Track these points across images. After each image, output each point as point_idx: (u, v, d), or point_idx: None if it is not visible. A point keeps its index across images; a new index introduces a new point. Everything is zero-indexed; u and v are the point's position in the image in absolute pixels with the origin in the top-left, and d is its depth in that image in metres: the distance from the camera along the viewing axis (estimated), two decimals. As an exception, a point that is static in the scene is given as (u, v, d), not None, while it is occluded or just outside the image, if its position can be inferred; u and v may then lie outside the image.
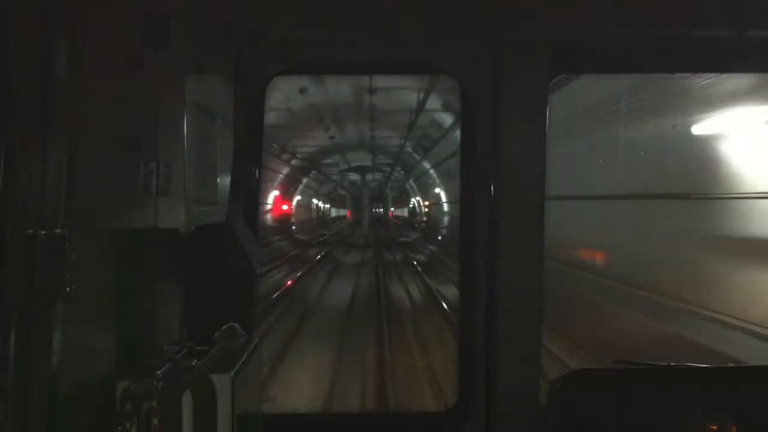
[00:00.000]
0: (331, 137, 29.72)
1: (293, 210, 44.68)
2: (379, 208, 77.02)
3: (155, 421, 2.50)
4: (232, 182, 3.28)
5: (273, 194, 35.24)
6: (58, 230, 2.19)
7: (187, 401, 2.61)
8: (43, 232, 2.15)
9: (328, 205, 79.73)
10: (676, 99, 10.40)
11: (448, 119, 21.47)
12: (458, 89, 3.85)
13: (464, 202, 3.90)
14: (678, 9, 3.46)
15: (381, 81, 17.80)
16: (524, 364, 3.63)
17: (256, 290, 3.95)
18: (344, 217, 73.86)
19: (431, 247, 36.18)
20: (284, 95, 17.82)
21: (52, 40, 2.21)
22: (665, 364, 3.77)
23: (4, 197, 2.08)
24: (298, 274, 24.48)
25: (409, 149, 33.52)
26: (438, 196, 39.84)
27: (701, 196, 10.69)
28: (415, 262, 29.67)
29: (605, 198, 13.04)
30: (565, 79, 7.82)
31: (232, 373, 2.78)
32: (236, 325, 3.31)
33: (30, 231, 2.13)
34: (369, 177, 57.46)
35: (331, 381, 10.91)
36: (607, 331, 11.68)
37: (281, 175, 35.39)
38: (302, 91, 17.92)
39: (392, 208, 78.38)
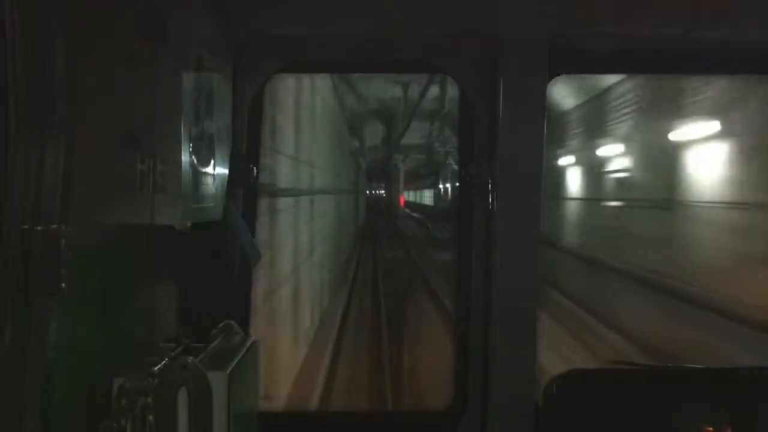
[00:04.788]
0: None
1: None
2: (380, 189, 44.19)
3: (150, 418, 2.50)
4: (229, 180, 3.28)
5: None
6: (54, 226, 2.19)
7: (182, 398, 2.61)
8: (38, 228, 2.15)
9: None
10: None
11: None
12: (457, 89, 3.84)
13: (462, 202, 3.90)
14: (678, 9, 3.47)
15: None
16: (521, 364, 3.64)
17: (253, 288, 3.94)
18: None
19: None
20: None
21: (50, 35, 2.21)
22: (661, 364, 3.79)
23: (0, 193, 2.08)
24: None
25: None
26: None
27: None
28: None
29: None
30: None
31: (228, 371, 2.78)
32: (233, 322, 3.32)
33: (26, 227, 2.13)
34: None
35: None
36: None
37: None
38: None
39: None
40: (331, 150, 19.91)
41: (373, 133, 30.96)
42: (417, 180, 48.43)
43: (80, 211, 2.36)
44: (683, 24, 3.51)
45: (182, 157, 2.56)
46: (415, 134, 30.13)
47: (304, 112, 12.62)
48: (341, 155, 24.54)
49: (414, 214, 45.66)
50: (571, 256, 18.27)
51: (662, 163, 13.43)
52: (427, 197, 50.51)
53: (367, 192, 40.98)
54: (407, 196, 49.71)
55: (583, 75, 13.18)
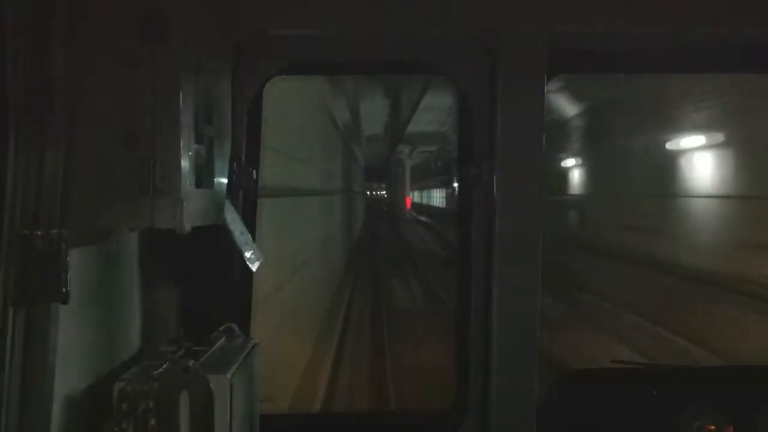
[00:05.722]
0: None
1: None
2: (380, 189, 37.66)
3: (152, 422, 2.49)
4: (229, 182, 3.27)
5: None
6: (54, 230, 2.18)
7: (184, 402, 2.60)
8: (38, 232, 2.14)
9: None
10: None
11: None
12: (456, 89, 3.85)
13: (461, 202, 3.89)
14: (677, 9, 3.46)
15: None
16: (522, 364, 3.63)
17: (254, 290, 3.93)
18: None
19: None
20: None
21: (50, 37, 2.20)
22: (662, 364, 3.79)
23: (1, 197, 2.07)
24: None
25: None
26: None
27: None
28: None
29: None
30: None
31: (229, 374, 2.77)
32: (234, 325, 3.30)
33: (26, 231, 2.12)
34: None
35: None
36: None
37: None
38: None
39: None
40: (311, 135, 15.13)
41: (373, 120, 24.26)
42: (425, 178, 40.96)
43: (80, 214, 2.35)
44: (683, 24, 3.50)
45: (182, 159, 2.54)
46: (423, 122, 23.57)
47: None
48: (327, 144, 19.36)
49: (421, 218, 40.06)
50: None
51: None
52: (435, 198, 43.92)
53: (367, 193, 35.13)
54: (413, 196, 43.40)
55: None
